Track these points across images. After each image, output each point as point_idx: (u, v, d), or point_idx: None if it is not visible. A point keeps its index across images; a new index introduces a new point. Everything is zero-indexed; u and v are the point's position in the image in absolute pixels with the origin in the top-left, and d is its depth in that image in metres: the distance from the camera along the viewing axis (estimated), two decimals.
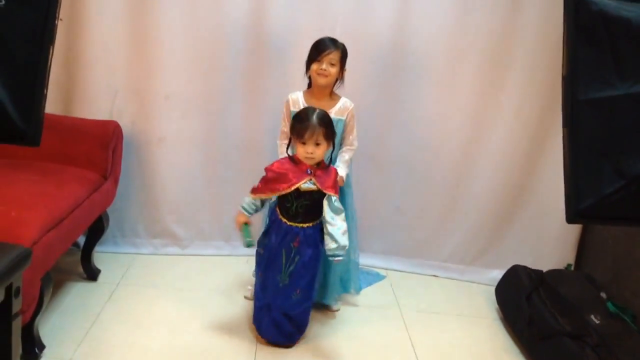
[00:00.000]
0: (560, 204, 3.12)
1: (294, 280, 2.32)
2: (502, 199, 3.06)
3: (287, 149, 2.46)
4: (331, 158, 2.44)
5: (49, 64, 1.33)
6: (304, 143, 2.23)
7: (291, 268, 2.32)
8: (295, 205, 2.29)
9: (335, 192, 2.31)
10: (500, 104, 2.94)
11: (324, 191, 2.26)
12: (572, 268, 3.05)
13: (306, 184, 2.25)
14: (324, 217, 2.28)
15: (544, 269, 2.80)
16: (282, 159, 2.37)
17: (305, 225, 2.31)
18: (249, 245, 2.34)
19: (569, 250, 3.10)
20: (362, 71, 2.85)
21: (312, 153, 2.23)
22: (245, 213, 2.34)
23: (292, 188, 2.24)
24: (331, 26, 2.78)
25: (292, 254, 2.31)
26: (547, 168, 2.98)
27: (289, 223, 2.31)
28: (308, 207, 2.29)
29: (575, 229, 3.06)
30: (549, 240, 3.09)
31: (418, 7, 2.83)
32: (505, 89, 2.92)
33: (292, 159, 2.31)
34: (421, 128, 3.00)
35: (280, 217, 2.33)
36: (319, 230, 2.32)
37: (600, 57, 1.39)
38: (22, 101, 1.31)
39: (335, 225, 2.26)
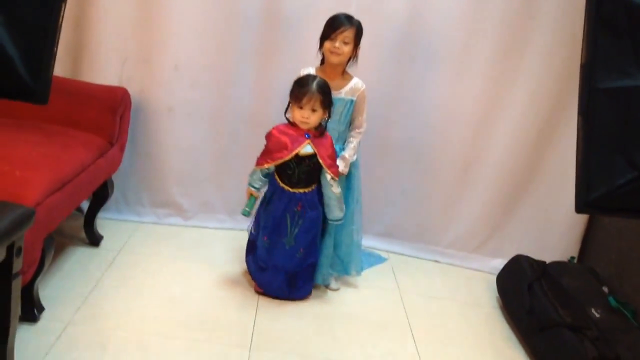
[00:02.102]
0: (567, 195, 3.10)
1: (298, 241, 2.47)
2: (508, 187, 3.04)
3: (286, 112, 2.50)
4: (326, 126, 2.46)
5: (59, 22, 1.32)
6: (300, 107, 2.35)
7: (296, 231, 2.46)
8: (297, 171, 2.40)
9: (334, 169, 2.44)
10: (513, 91, 2.90)
11: (323, 164, 2.40)
12: (575, 261, 3.03)
13: (305, 149, 2.37)
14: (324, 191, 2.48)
15: (547, 261, 2.79)
16: (280, 124, 2.47)
17: (306, 190, 2.44)
18: (244, 214, 2.48)
19: (573, 243, 3.08)
20: (374, 50, 2.81)
21: (307, 118, 2.35)
22: (253, 189, 2.47)
23: (292, 154, 2.35)
24: (346, 3, 2.74)
25: (296, 218, 2.44)
26: (555, 158, 2.96)
27: (291, 190, 2.43)
28: (308, 172, 2.41)
29: (580, 221, 3.04)
30: (553, 231, 3.07)
31: None
32: (519, 76, 2.88)
33: (290, 124, 2.43)
34: (431, 111, 2.97)
35: (282, 184, 2.43)
36: (318, 192, 2.48)
37: (620, 46, 1.36)
38: (32, 59, 1.30)
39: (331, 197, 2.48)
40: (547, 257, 2.86)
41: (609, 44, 1.36)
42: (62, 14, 1.32)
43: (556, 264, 2.75)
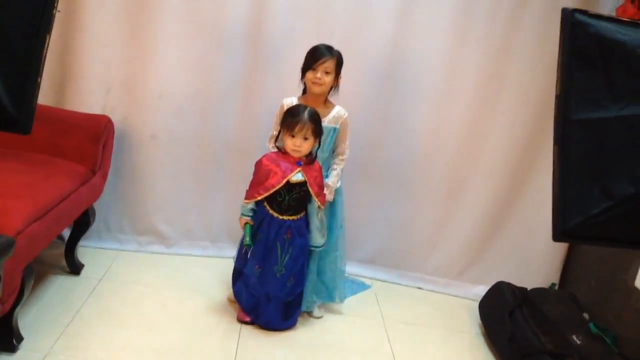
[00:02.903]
0: (547, 222, 3.12)
1: (288, 269, 2.49)
2: (490, 214, 3.08)
3: (276, 141, 2.54)
4: (316, 155, 2.50)
5: (44, 53, 1.32)
6: (293, 136, 2.38)
7: (286, 258, 2.47)
8: (287, 198, 2.42)
9: (322, 198, 2.46)
10: (493, 120, 2.95)
11: (311, 192, 2.42)
12: (557, 287, 3.06)
13: (296, 176, 2.39)
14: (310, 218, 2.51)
15: (529, 287, 2.81)
16: (270, 152, 2.50)
17: (295, 217, 2.46)
18: (248, 244, 2.44)
19: (554, 270, 3.11)
20: (356, 80, 2.85)
21: (299, 146, 2.38)
22: (248, 218, 2.47)
23: (284, 181, 2.37)
24: (329, 33, 2.78)
25: (286, 246, 2.46)
26: (536, 185, 3.00)
27: (281, 217, 2.44)
28: (298, 199, 2.43)
29: (561, 248, 3.08)
30: (534, 258, 3.10)
31: (416, 21, 2.84)
32: (498, 105, 2.94)
33: (280, 152, 2.46)
34: (413, 140, 3.01)
35: (271, 212, 2.44)
36: (305, 220, 2.51)
37: (594, 78, 1.40)
38: (15, 88, 1.30)
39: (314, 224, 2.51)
40: (529, 283, 2.88)
41: (583, 76, 1.40)
42: (46, 45, 1.33)
43: (537, 291, 2.77)
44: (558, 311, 2.56)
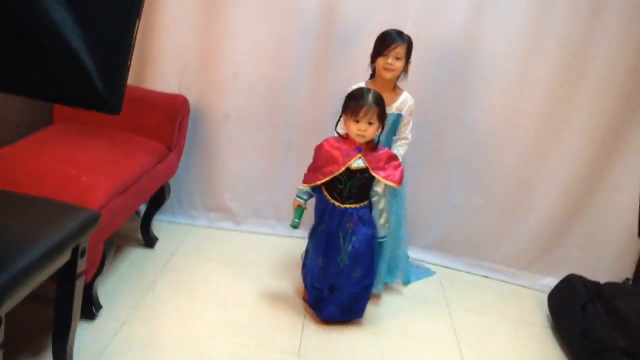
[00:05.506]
0: (623, 216, 3.02)
1: (352, 259, 2.38)
2: (563, 206, 2.99)
3: (336, 126, 2.45)
4: (379, 140, 2.42)
5: (134, 36, 1.37)
6: (357, 121, 2.28)
7: (349, 248, 2.38)
8: (347, 186, 2.33)
9: (394, 178, 2.34)
10: (572, 109, 2.85)
11: (374, 173, 2.31)
12: (630, 283, 2.96)
13: (356, 163, 2.31)
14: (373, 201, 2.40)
15: (601, 281, 2.73)
16: (331, 137, 2.41)
17: (358, 205, 2.37)
18: (293, 226, 2.41)
19: (628, 264, 3.00)
20: (429, 66, 2.81)
21: (364, 131, 2.28)
22: (301, 201, 2.43)
23: (344, 167, 2.30)
24: (403, 18, 2.74)
25: (349, 235, 2.36)
26: (612, 178, 2.90)
27: (342, 205, 2.36)
28: (360, 187, 2.34)
29: (636, 243, 2.96)
30: (608, 252, 3.01)
31: (493, 7, 2.76)
32: (578, 94, 2.83)
33: (341, 137, 2.39)
34: (486, 127, 2.94)
35: (332, 201, 2.37)
36: (370, 209, 2.40)
37: None
38: (107, 71, 1.35)
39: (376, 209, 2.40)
40: (601, 277, 2.80)
41: None
42: (136, 28, 1.37)
43: (612, 285, 2.68)
44: (633, 307, 2.48)
